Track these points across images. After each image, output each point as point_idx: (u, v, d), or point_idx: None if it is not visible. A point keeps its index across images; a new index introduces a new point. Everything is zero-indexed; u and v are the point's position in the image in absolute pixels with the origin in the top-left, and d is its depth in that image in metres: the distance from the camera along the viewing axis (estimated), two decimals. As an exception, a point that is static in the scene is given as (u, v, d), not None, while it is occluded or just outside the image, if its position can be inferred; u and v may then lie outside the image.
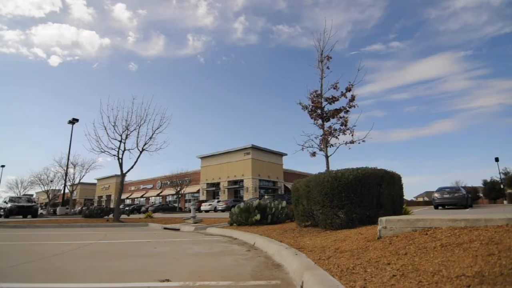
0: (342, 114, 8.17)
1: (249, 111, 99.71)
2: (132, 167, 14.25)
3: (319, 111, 8.24)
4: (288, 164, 50.77)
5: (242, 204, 8.00)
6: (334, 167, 7.30)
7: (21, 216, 18.32)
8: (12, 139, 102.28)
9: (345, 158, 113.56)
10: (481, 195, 50.94)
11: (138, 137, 14.09)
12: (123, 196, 53.00)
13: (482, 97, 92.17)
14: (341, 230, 4.37)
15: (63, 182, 28.95)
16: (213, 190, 46.63)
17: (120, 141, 13.78)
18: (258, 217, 7.29)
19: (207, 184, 46.94)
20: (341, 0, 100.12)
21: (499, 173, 39.20)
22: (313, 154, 8.30)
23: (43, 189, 42.84)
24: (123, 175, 14.08)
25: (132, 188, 62.09)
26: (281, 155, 48.11)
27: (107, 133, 13.56)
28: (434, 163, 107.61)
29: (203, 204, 33.19)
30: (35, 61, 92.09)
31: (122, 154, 13.82)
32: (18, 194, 43.74)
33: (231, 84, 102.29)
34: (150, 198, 56.37)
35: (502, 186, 39.22)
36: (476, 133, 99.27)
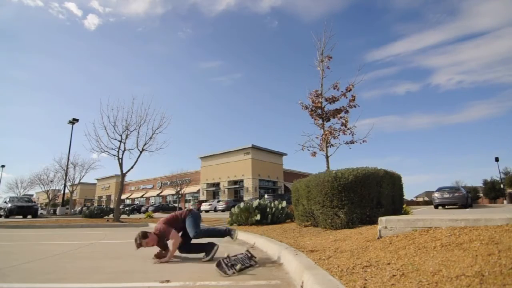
0: (342, 114, 8.17)
1: (249, 110, 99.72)
2: (132, 167, 14.24)
3: (319, 111, 8.23)
4: (288, 164, 50.82)
5: (242, 204, 8.00)
6: (334, 167, 7.31)
7: (21, 216, 18.30)
8: (12, 139, 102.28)
9: (345, 158, 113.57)
10: (481, 195, 50.96)
11: (138, 137, 14.09)
12: (123, 196, 53.00)
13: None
14: (341, 230, 4.38)
15: (63, 182, 28.96)
16: (213, 190, 46.62)
17: (120, 141, 13.78)
18: (258, 217, 7.29)
19: (207, 184, 46.93)
20: None
21: (499, 172, 39.28)
22: (314, 154, 8.30)
23: (43, 189, 42.85)
24: (123, 175, 14.07)
25: (132, 188, 62.08)
26: (281, 155, 48.11)
27: (107, 133, 13.56)
28: (435, 162, 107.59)
29: (203, 204, 33.21)
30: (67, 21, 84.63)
31: (122, 154, 13.81)
32: (18, 194, 43.72)
33: (232, 83, 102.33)
34: (150, 198, 56.36)
35: (502, 186, 39.23)
36: (476, 133, 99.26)
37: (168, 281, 2.44)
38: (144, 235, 3.45)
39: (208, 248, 3.54)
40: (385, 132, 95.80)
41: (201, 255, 3.57)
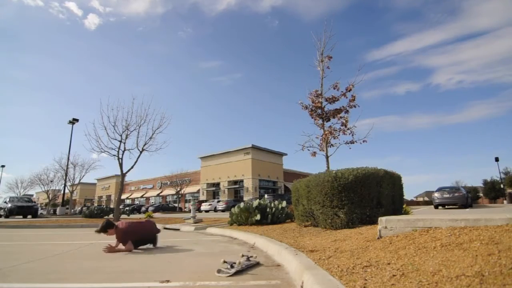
0: (342, 114, 8.17)
1: (249, 110, 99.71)
2: (132, 167, 14.22)
3: (319, 111, 8.23)
4: (288, 164, 50.80)
5: (242, 204, 8.00)
6: (334, 167, 7.31)
7: (21, 216, 18.30)
8: (12, 139, 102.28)
9: (345, 158, 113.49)
10: (481, 195, 50.98)
11: (138, 137, 14.09)
12: (123, 196, 52.98)
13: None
14: (341, 230, 4.38)
15: (63, 182, 28.95)
16: (213, 190, 46.62)
17: (120, 141, 13.77)
18: (258, 217, 7.29)
19: (207, 184, 46.93)
20: None
21: (499, 172, 39.27)
22: (314, 154, 8.30)
23: (43, 189, 42.83)
24: (123, 175, 14.07)
25: (132, 188, 62.07)
26: (281, 155, 48.10)
27: (107, 133, 13.56)
28: (435, 162, 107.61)
29: (203, 204, 33.21)
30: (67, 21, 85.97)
31: (122, 154, 13.80)
32: (18, 194, 43.71)
33: (232, 83, 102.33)
34: (150, 198, 56.35)
35: (502, 186, 39.21)
36: (476, 133, 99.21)
37: (168, 281, 2.44)
38: (109, 225, 4.18)
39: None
40: (385, 132, 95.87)
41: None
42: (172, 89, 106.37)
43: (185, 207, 45.73)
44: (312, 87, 8.48)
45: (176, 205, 42.60)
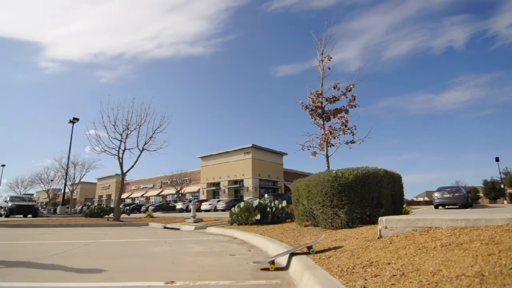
0: (342, 114, 8.16)
1: (250, 110, 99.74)
2: (132, 166, 14.26)
3: (319, 110, 8.23)
4: (289, 163, 50.80)
5: (242, 204, 8.00)
6: (334, 166, 7.31)
7: (21, 216, 18.31)
8: (12, 139, 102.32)
9: (346, 158, 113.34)
10: (481, 195, 50.95)
11: (138, 137, 14.12)
12: (124, 196, 53.04)
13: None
14: (341, 230, 4.38)
15: (64, 181, 28.99)
16: (213, 190, 46.65)
17: (121, 141, 13.80)
18: (258, 216, 7.30)
19: (207, 183, 46.95)
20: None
21: (500, 172, 39.18)
22: (314, 153, 8.30)
23: (44, 189, 42.88)
24: (123, 174, 14.09)
25: (132, 188, 62.10)
26: (281, 154, 48.12)
27: (108, 133, 13.58)
28: (434, 162, 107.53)
29: (203, 203, 33.20)
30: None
31: (123, 154, 13.84)
32: (19, 194, 43.77)
33: (232, 82, 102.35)
34: (151, 197, 56.38)
35: (502, 186, 39.19)
36: (477, 132, 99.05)
37: (173, 282, 2.44)
38: None
39: None
40: (386, 128, 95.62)
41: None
42: (172, 88, 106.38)
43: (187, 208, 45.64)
44: (312, 87, 8.48)
45: (176, 204, 42.51)
